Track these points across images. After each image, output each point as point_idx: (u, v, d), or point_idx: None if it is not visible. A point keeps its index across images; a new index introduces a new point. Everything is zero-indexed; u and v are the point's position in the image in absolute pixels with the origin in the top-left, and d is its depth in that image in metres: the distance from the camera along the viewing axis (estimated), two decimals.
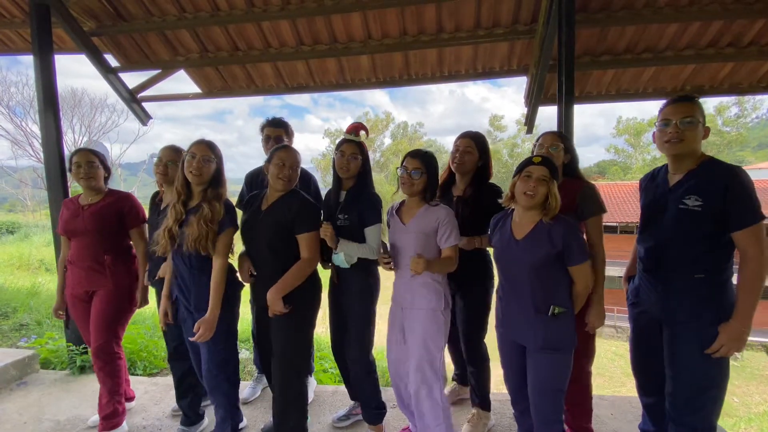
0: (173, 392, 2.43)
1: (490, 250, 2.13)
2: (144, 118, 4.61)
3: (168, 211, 2.05)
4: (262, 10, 3.66)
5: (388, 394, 2.74)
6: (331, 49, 4.01)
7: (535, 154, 1.94)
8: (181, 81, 4.50)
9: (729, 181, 1.54)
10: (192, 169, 1.95)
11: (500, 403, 2.65)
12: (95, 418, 2.44)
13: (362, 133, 2.16)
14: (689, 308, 1.66)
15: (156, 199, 2.45)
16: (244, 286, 2.22)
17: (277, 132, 2.60)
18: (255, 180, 2.63)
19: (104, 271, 2.34)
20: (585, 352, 2.05)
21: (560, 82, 3.14)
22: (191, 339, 1.95)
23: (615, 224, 19.78)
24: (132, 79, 4.41)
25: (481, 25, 3.75)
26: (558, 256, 1.70)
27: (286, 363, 2.05)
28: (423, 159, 1.98)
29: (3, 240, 16.59)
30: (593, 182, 2.15)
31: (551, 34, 3.32)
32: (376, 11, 3.63)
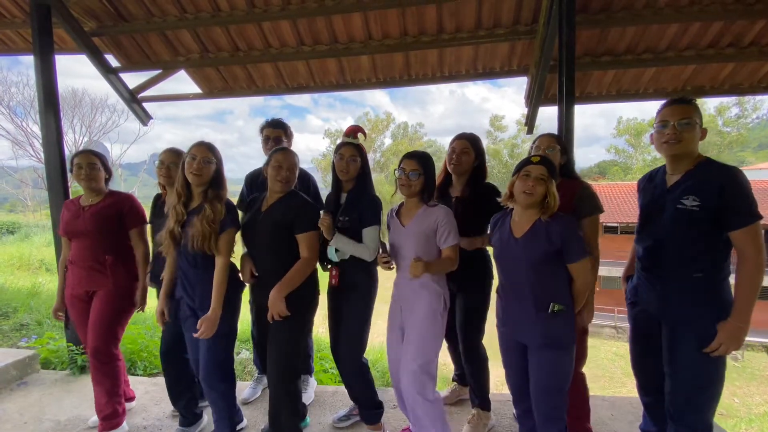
0: None
1: (490, 250, 2.14)
2: (144, 118, 4.62)
3: (169, 213, 2.07)
4: (262, 11, 3.66)
5: (388, 395, 2.74)
6: (331, 50, 4.01)
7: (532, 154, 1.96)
8: (182, 81, 4.50)
9: (726, 181, 1.56)
10: (192, 170, 1.99)
11: (500, 404, 2.65)
12: (96, 418, 2.44)
13: (360, 135, 2.18)
14: (688, 307, 1.68)
15: (159, 201, 2.47)
16: (245, 286, 2.23)
17: (276, 133, 2.61)
18: (255, 181, 2.64)
19: (105, 271, 2.35)
20: (577, 353, 2.06)
21: (561, 82, 3.14)
22: (194, 335, 1.97)
23: (615, 224, 19.80)
24: (132, 79, 4.42)
25: (482, 25, 3.75)
26: (556, 253, 1.72)
27: (281, 364, 2.05)
28: (420, 160, 2.00)
29: (3, 240, 16.61)
30: (592, 183, 2.17)
31: (552, 35, 3.32)
32: (377, 12, 3.63)
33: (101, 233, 2.34)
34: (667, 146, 1.67)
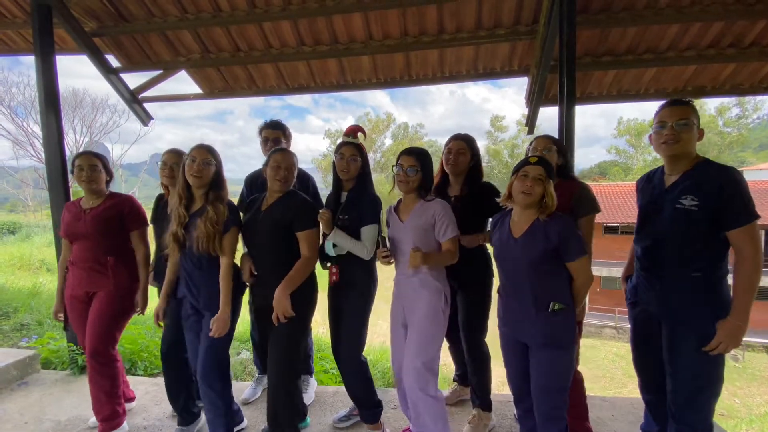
0: None
1: (491, 248, 2.15)
2: (145, 118, 4.62)
3: (172, 216, 2.10)
4: (263, 11, 3.66)
5: (388, 395, 2.74)
6: (332, 50, 4.01)
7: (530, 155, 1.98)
8: (183, 81, 4.51)
9: (724, 180, 1.58)
10: (193, 172, 2.02)
11: (501, 404, 2.65)
12: (95, 418, 2.44)
13: (360, 135, 2.20)
14: (687, 306, 1.69)
15: (161, 202, 2.49)
16: (246, 288, 2.24)
17: (275, 134, 2.62)
18: (255, 182, 2.64)
19: (106, 272, 2.35)
20: None
21: (561, 82, 3.15)
22: (209, 334, 2.01)
23: (616, 225, 19.79)
24: (133, 79, 4.43)
25: (483, 25, 3.75)
26: (555, 251, 1.73)
27: (283, 364, 2.06)
28: (418, 157, 2.03)
29: (4, 240, 16.60)
30: (592, 183, 2.19)
31: (552, 35, 3.32)
32: (378, 12, 3.64)
33: (102, 235, 2.35)
34: (666, 146, 1.69)
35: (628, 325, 2.04)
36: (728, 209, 1.57)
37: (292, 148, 2.35)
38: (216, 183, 2.09)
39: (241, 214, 2.23)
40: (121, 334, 2.45)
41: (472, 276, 2.29)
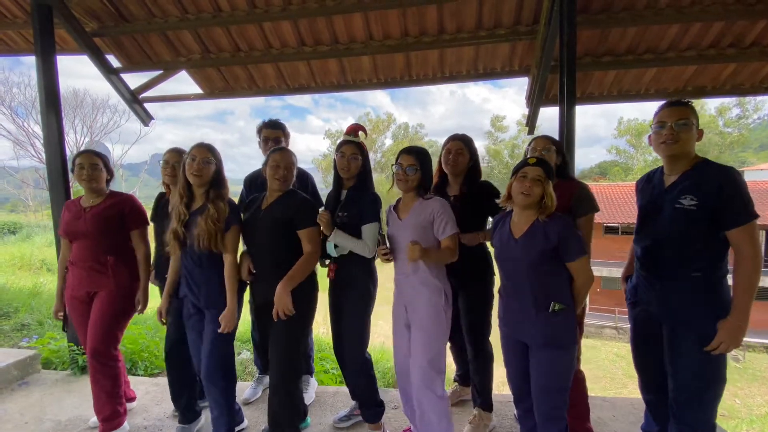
0: None
1: (491, 248, 2.16)
2: (146, 118, 4.62)
3: (172, 214, 2.11)
4: (263, 11, 3.67)
5: (389, 396, 2.74)
6: (332, 50, 4.02)
7: (529, 156, 1.99)
8: (183, 82, 4.52)
9: (723, 180, 1.58)
10: (193, 171, 2.03)
11: (501, 404, 2.64)
12: (96, 418, 2.44)
13: (361, 133, 2.21)
14: (687, 306, 1.69)
15: (162, 200, 2.49)
16: (246, 286, 2.24)
17: (274, 134, 2.62)
18: (254, 182, 2.65)
19: (107, 271, 2.34)
20: None
21: (562, 82, 3.15)
22: (218, 330, 2.03)
23: (617, 225, 19.77)
24: (134, 79, 4.44)
25: (483, 25, 3.75)
26: (554, 252, 1.73)
27: (284, 364, 2.07)
28: (417, 156, 2.03)
29: (5, 240, 16.61)
30: (593, 183, 2.20)
31: (553, 35, 3.32)
32: (378, 12, 3.64)
33: (102, 234, 2.35)
34: (665, 147, 1.70)
35: (628, 325, 2.04)
36: (728, 209, 1.57)
37: (292, 148, 2.35)
38: (216, 181, 2.10)
39: (242, 214, 2.23)
40: (122, 334, 2.45)
41: (472, 274, 2.29)
